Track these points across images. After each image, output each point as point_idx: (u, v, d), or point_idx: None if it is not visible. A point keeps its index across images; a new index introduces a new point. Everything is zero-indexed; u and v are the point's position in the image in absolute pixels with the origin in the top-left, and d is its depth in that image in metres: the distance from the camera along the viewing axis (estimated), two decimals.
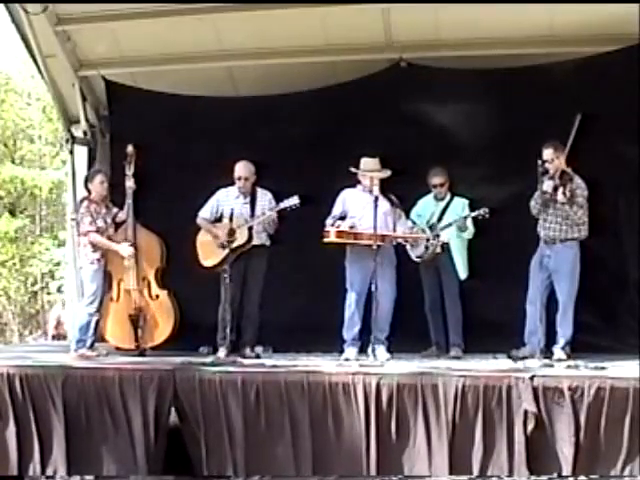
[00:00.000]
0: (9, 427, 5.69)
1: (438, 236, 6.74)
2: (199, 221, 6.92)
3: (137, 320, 7.02)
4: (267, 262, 6.88)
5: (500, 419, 5.09)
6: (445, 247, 6.72)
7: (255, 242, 6.78)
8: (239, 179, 6.86)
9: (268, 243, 6.92)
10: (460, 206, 6.99)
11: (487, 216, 6.73)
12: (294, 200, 6.60)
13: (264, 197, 6.90)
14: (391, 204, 6.56)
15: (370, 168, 6.55)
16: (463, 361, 6.42)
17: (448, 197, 7.07)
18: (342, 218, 6.54)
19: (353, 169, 6.57)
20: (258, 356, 6.78)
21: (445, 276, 6.94)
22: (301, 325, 7.28)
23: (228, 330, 6.42)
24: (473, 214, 6.82)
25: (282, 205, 6.68)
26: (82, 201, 7.06)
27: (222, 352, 6.53)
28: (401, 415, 5.21)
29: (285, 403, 5.39)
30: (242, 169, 6.87)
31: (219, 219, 6.86)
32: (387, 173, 6.56)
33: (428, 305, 7.05)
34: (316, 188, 6.92)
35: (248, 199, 6.88)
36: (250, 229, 6.75)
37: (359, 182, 6.61)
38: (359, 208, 6.50)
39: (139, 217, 7.12)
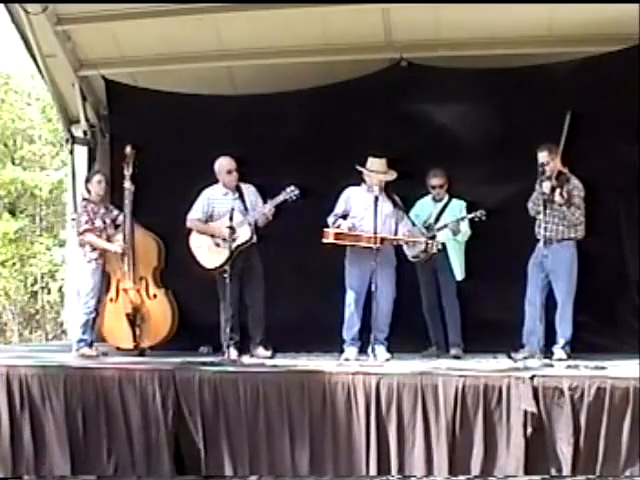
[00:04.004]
0: (9, 427, 5.69)
1: (434, 237, 6.74)
2: (192, 224, 6.84)
3: (134, 320, 7.01)
4: (260, 259, 6.84)
5: (500, 419, 5.08)
6: (442, 248, 6.71)
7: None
8: (229, 172, 6.81)
9: (255, 240, 6.82)
10: (458, 208, 6.99)
11: (484, 218, 6.75)
12: (294, 191, 6.56)
13: (249, 190, 6.86)
14: (394, 205, 6.56)
15: (376, 169, 6.52)
16: (463, 361, 6.41)
17: (446, 199, 7.07)
18: (344, 216, 6.54)
19: (359, 167, 6.56)
20: (272, 356, 6.66)
21: (442, 277, 6.94)
22: (301, 325, 7.28)
23: (229, 330, 6.39)
24: (470, 216, 6.84)
25: (282, 197, 6.61)
26: (82, 201, 7.17)
27: (233, 352, 6.46)
28: (401, 415, 5.21)
29: (285, 403, 5.39)
30: (230, 162, 6.83)
31: (209, 219, 6.82)
32: (393, 176, 6.54)
33: (425, 306, 7.06)
34: (315, 187, 6.90)
35: (237, 195, 6.84)
36: (250, 225, 6.71)
37: (364, 181, 6.61)
38: (361, 208, 6.49)
39: (139, 217, 7.12)
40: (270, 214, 6.74)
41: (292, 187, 6.58)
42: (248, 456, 5.43)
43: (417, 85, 7.45)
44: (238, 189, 6.88)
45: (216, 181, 6.92)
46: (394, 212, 6.55)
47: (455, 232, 6.84)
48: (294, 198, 6.59)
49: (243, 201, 6.82)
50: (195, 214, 6.86)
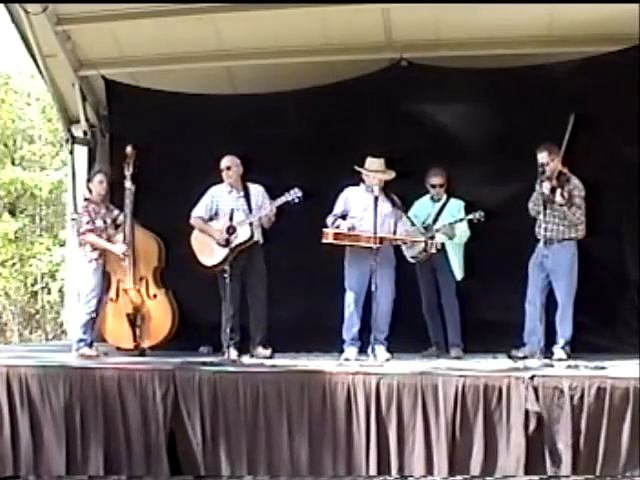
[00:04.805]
0: (9, 426, 5.69)
1: (433, 237, 6.74)
2: (194, 221, 6.87)
3: (135, 319, 7.01)
4: (264, 259, 6.85)
5: (500, 419, 5.08)
6: (441, 248, 6.70)
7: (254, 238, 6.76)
8: (228, 169, 6.84)
9: (262, 240, 6.87)
10: (456, 208, 6.98)
11: (482, 219, 6.73)
12: (297, 193, 6.55)
13: (256, 190, 6.88)
14: (392, 204, 6.55)
15: (375, 169, 6.52)
16: (463, 361, 6.41)
17: (444, 198, 7.06)
18: (343, 217, 6.53)
19: (357, 168, 6.56)
20: (271, 356, 6.68)
21: (441, 277, 6.94)
22: (301, 325, 7.28)
23: (229, 330, 6.39)
24: (468, 217, 6.82)
25: (284, 198, 6.61)
26: (83, 201, 7.17)
27: (233, 352, 6.47)
28: (401, 415, 5.20)
29: (284, 403, 5.39)
30: (227, 160, 6.88)
31: (213, 217, 6.84)
32: (391, 175, 6.54)
33: (425, 306, 7.05)
34: (315, 187, 6.88)
35: (242, 194, 6.85)
36: (251, 225, 6.71)
37: (362, 181, 6.60)
38: (360, 209, 6.48)
39: (139, 217, 7.12)
40: (272, 215, 6.75)
41: (296, 189, 6.57)
42: (247, 456, 5.42)
43: (417, 85, 7.46)
44: (245, 188, 6.88)
45: (222, 179, 6.94)
46: (393, 212, 6.55)
47: (450, 236, 6.82)
48: (297, 200, 6.59)
49: (248, 200, 6.82)
50: (198, 211, 6.89)
